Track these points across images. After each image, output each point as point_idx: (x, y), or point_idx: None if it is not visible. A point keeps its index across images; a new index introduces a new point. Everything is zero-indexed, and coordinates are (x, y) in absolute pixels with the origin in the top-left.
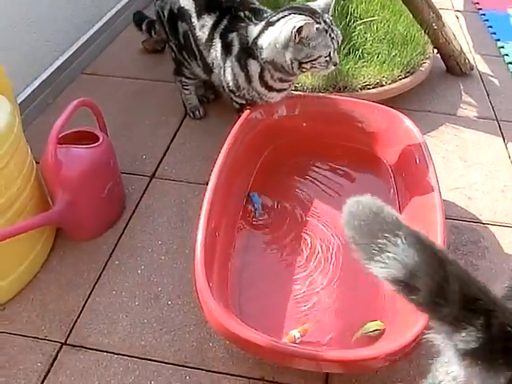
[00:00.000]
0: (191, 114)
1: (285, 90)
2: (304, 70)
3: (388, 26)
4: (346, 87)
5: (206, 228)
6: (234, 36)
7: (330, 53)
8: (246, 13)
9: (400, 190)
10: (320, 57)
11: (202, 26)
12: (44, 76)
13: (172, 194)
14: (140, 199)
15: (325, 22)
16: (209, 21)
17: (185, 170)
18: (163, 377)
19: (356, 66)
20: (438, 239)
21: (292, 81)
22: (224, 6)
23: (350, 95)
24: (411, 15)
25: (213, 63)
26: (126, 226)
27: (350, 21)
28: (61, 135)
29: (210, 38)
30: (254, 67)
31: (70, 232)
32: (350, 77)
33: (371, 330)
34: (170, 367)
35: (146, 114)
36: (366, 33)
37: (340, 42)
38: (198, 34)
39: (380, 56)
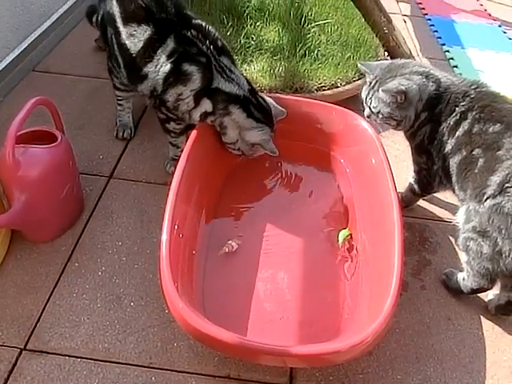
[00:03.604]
0: (116, 132)
1: None
2: None
3: (341, 29)
4: (302, 88)
5: (171, 228)
6: (193, 69)
7: None
8: (192, 32)
9: (357, 189)
10: None
11: (131, 35)
12: None
13: (131, 194)
14: (98, 200)
15: None
16: (140, 32)
17: (143, 170)
18: (128, 378)
19: (311, 67)
20: (396, 236)
21: None
22: (158, 18)
23: (306, 96)
24: (363, 19)
25: (146, 75)
26: (84, 227)
27: (304, 23)
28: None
29: (149, 54)
30: (206, 106)
31: (28, 234)
32: (306, 78)
33: (346, 235)
34: (135, 369)
35: (101, 114)
36: (320, 35)
37: None
38: (125, 42)
39: (334, 58)
